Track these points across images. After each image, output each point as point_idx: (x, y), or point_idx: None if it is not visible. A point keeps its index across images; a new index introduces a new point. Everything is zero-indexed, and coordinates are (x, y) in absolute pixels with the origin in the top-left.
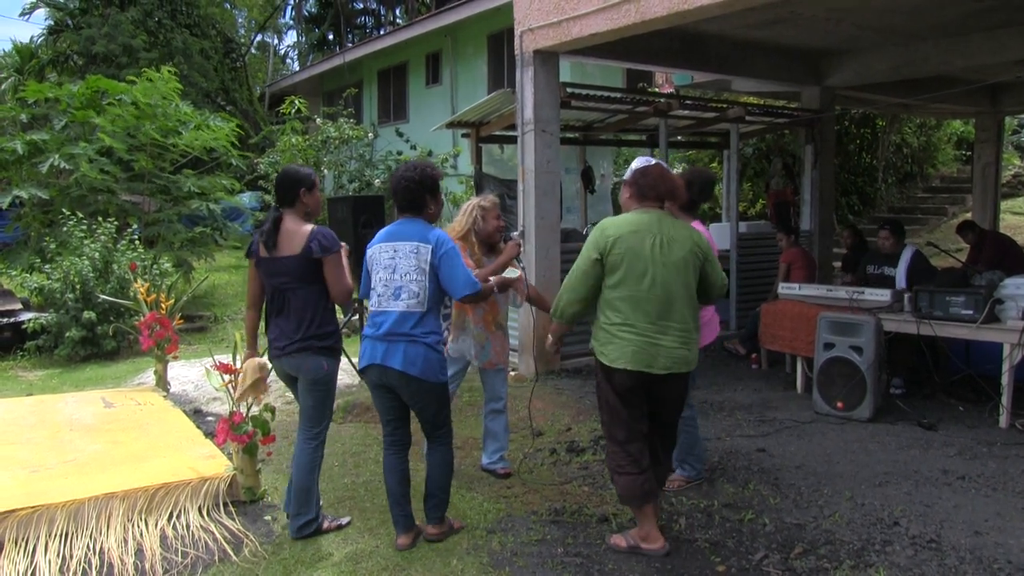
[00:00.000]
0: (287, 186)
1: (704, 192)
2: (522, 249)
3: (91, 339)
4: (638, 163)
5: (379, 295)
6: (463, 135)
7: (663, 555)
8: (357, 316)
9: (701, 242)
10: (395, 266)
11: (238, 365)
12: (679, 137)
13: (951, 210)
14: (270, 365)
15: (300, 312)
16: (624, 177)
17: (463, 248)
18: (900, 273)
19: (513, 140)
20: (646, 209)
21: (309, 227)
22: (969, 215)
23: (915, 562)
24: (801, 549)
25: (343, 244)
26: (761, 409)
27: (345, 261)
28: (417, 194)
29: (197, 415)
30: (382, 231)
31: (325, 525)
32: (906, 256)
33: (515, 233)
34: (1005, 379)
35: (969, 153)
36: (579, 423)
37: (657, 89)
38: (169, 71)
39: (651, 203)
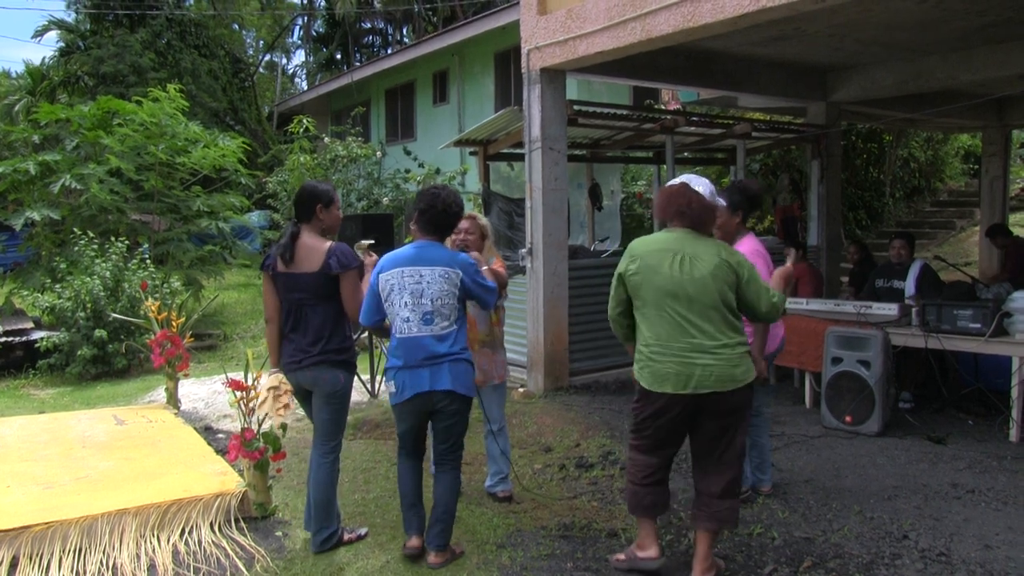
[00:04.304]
0: (305, 201)
1: (755, 206)
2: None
3: (102, 357)
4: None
5: (406, 320)
6: (471, 153)
7: (655, 566)
8: (365, 334)
9: (731, 258)
10: (423, 291)
11: (249, 382)
12: (686, 153)
13: (959, 224)
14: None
15: (318, 328)
16: None
17: None
18: (909, 286)
19: (521, 158)
20: (673, 228)
21: (327, 244)
22: (978, 229)
23: (925, 575)
24: (810, 563)
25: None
26: (769, 424)
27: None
28: (447, 220)
29: (208, 432)
30: (394, 255)
31: (346, 537)
32: (915, 269)
33: (523, 253)
34: (1015, 393)
35: (977, 167)
36: (588, 439)
37: (663, 106)
38: (176, 89)
39: (676, 222)
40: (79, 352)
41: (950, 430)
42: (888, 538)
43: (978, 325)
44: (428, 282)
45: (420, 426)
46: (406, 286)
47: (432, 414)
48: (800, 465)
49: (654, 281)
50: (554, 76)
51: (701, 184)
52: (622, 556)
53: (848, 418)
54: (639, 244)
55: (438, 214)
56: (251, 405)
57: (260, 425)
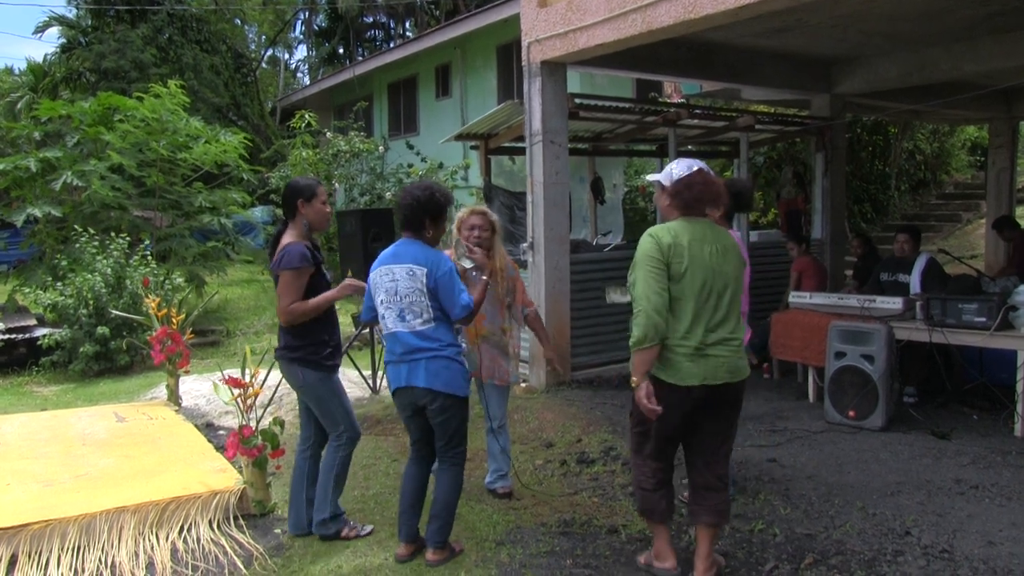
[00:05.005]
0: (286, 198)
1: (740, 203)
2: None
3: (105, 354)
4: (679, 169)
5: (382, 317)
6: (472, 147)
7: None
8: (367, 330)
9: (737, 249)
10: (396, 288)
11: (247, 379)
12: (689, 147)
13: (965, 216)
14: None
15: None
16: (660, 179)
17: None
18: (914, 280)
19: (522, 151)
20: (692, 218)
21: (285, 242)
22: (984, 221)
23: (927, 572)
24: (811, 560)
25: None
26: (772, 419)
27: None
28: (416, 214)
29: (209, 429)
30: (382, 254)
31: (344, 532)
32: (920, 263)
33: (524, 247)
34: (1020, 387)
35: (983, 159)
36: (589, 434)
37: (666, 99)
38: (177, 85)
39: (696, 213)
40: (81, 349)
41: (954, 425)
42: (891, 534)
43: (983, 319)
44: (398, 279)
45: (418, 423)
46: (383, 284)
47: (424, 411)
48: (803, 461)
49: (698, 273)
50: (555, 69)
51: (701, 164)
52: (642, 559)
53: (851, 413)
54: (668, 233)
55: (397, 209)
56: (248, 402)
57: (258, 422)
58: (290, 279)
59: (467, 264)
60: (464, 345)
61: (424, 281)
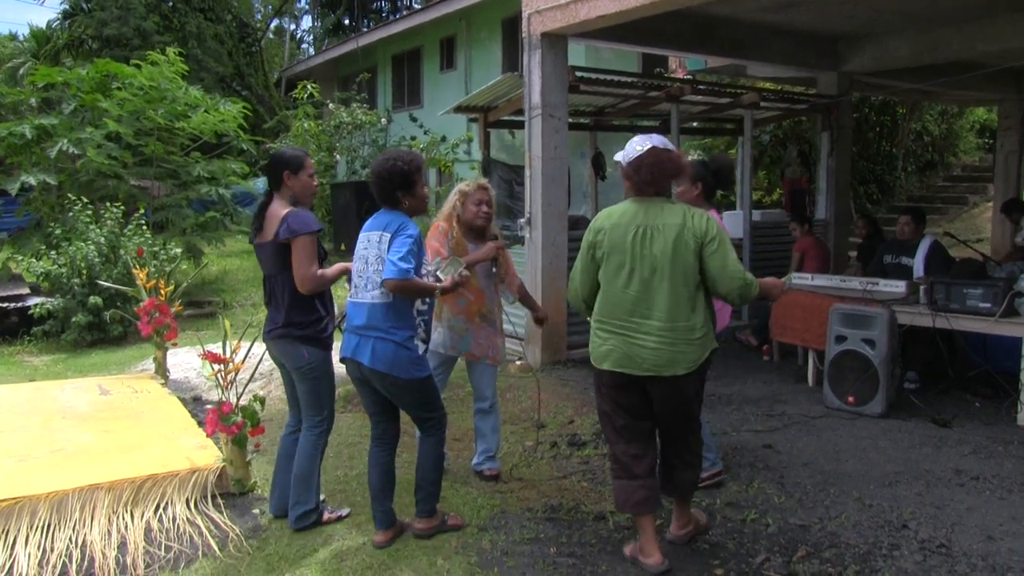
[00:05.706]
0: (272, 168)
1: (721, 180)
2: (503, 250)
3: (97, 324)
4: (629, 149)
5: (354, 286)
6: (471, 120)
7: (659, 570)
8: None
9: (697, 227)
10: (366, 257)
11: (227, 354)
12: (694, 123)
13: (972, 199)
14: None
15: (280, 299)
16: (620, 160)
17: (444, 231)
18: (918, 263)
19: (522, 125)
20: (639, 198)
21: (284, 211)
22: (991, 204)
23: (923, 568)
24: (804, 552)
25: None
26: (770, 403)
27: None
28: (383, 189)
29: (196, 403)
30: (367, 221)
31: (325, 516)
32: (924, 246)
33: (521, 223)
34: None
35: (992, 141)
36: (582, 415)
37: (672, 75)
38: (175, 53)
39: (651, 192)
40: (74, 319)
41: (956, 412)
42: (887, 527)
43: (988, 304)
44: (369, 247)
45: (366, 391)
46: (359, 251)
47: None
48: (799, 447)
49: (614, 258)
50: (555, 41)
51: (657, 140)
52: (628, 551)
53: (851, 399)
54: (602, 217)
55: (370, 186)
56: (228, 378)
57: (239, 399)
58: (308, 243)
59: (445, 274)
60: (445, 328)
61: (384, 247)
